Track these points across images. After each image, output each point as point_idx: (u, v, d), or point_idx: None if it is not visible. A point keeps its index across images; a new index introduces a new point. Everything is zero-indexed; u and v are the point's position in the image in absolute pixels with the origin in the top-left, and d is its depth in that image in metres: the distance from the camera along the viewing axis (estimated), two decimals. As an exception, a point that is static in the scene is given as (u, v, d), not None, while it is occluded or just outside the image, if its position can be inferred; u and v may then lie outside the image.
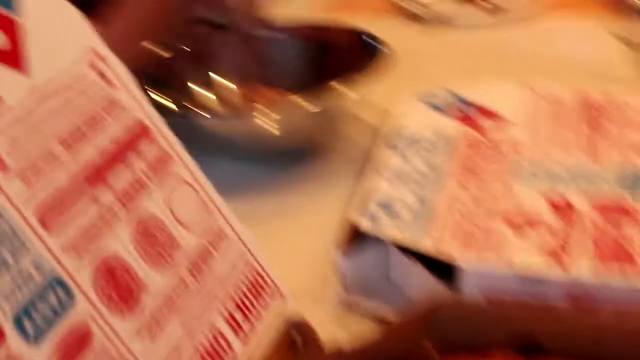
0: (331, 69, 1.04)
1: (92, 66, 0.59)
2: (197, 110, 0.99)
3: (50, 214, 0.50)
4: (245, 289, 0.62)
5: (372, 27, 1.28)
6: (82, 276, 0.50)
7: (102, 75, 0.60)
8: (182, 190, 0.61)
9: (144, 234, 0.56)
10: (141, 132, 0.60)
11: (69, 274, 0.49)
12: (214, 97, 1.06)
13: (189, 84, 1.06)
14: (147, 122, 0.61)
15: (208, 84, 1.07)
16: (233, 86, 1.07)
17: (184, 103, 1.01)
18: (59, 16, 0.59)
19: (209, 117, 0.94)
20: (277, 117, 0.93)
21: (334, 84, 0.95)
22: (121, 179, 0.57)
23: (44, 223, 0.49)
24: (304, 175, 0.96)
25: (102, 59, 0.60)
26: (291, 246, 0.81)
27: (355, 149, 0.98)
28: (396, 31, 1.33)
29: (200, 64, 1.06)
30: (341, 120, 1.02)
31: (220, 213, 0.64)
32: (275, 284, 0.65)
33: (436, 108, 0.88)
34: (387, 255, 0.68)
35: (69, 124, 0.55)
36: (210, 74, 1.07)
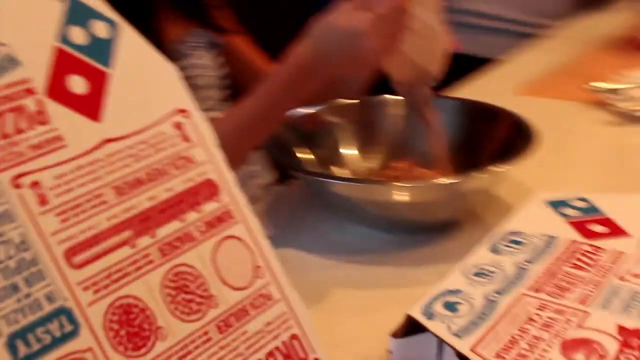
0: (479, 147, 1.05)
1: (173, 123, 0.65)
2: (333, 173, 1.03)
3: (78, 251, 0.56)
4: (277, 352, 0.65)
5: (558, 111, 1.29)
6: (93, 310, 0.55)
7: (181, 132, 0.65)
8: (234, 249, 0.65)
9: (176, 283, 0.60)
10: (207, 188, 0.65)
11: (79, 306, 0.55)
12: (361, 162, 1.10)
13: (339, 148, 1.10)
14: (216, 179, 0.66)
15: (360, 149, 1.11)
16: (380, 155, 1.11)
17: (328, 164, 1.06)
18: (151, 73, 0.65)
19: (343, 181, 0.98)
20: (411, 188, 0.96)
21: (478, 163, 0.97)
22: (169, 229, 0.61)
23: (68, 258, 0.55)
24: (427, 247, 0.97)
25: (187, 116, 0.66)
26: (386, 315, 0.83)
27: (483, 229, 0.98)
28: (578, 118, 1.32)
29: (356, 131, 1.11)
30: (478, 198, 1.03)
31: (273, 275, 0.67)
32: (312, 348, 0.67)
33: (559, 212, 0.86)
34: (438, 347, 0.69)
35: (129, 173, 0.61)
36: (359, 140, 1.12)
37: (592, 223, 0.84)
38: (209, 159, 0.66)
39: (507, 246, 0.80)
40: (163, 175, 0.63)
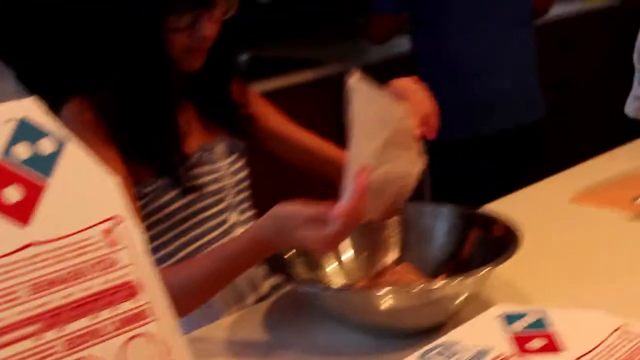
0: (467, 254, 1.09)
1: (103, 229, 0.73)
2: (327, 276, 1.10)
3: (-18, 339, 0.64)
4: None
5: (602, 220, 1.31)
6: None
7: (110, 237, 0.73)
8: (145, 346, 0.72)
9: (79, 374, 0.68)
10: (126, 289, 0.73)
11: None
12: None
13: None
14: (137, 281, 0.73)
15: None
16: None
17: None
18: (89, 183, 0.74)
19: (326, 289, 1.05)
20: (397, 294, 1.00)
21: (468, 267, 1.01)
22: (80, 325, 0.69)
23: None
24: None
25: (118, 223, 0.74)
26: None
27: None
28: (617, 229, 1.33)
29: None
30: (462, 304, 1.06)
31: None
32: None
33: (509, 325, 0.89)
34: None
35: (49, 273, 0.69)
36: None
37: (535, 338, 0.86)
38: (134, 262, 0.74)
39: (440, 354, 0.83)
40: (82, 276, 0.71)
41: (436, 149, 2.63)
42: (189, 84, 1.29)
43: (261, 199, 1.99)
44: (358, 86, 1.00)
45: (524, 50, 2.64)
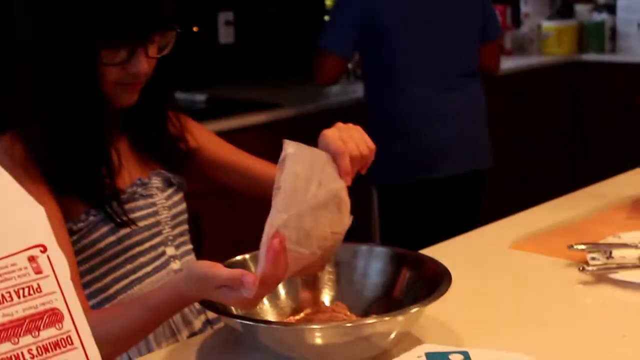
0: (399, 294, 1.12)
1: (28, 257, 0.74)
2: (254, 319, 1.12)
3: None
4: None
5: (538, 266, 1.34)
6: None
7: (35, 265, 0.74)
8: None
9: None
10: (50, 316, 0.74)
11: None
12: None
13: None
14: (61, 308, 0.74)
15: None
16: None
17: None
18: (15, 211, 0.75)
19: (259, 323, 1.07)
20: (330, 330, 1.02)
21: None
22: (1, 350, 0.70)
23: None
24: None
25: (44, 251, 0.75)
26: None
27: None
28: (549, 275, 1.36)
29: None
30: (393, 342, 1.07)
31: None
32: None
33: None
34: None
35: (-30, 296, 0.70)
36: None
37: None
38: (58, 289, 0.75)
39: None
40: (4, 302, 0.72)
41: (384, 192, 2.70)
42: (124, 117, 1.30)
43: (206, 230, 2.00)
44: (294, 152, 1.03)
45: (473, 102, 2.73)
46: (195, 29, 3.18)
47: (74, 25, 1.16)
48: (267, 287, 1.00)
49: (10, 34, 1.21)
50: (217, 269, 1.02)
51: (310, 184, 1.03)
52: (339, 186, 1.07)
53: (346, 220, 1.08)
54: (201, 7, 3.25)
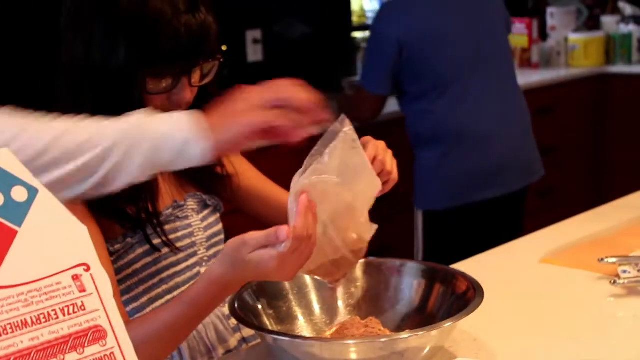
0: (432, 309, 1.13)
1: (72, 275, 0.76)
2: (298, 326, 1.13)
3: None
4: None
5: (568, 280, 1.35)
6: None
7: (79, 283, 0.76)
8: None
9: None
10: (94, 333, 0.76)
11: None
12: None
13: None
14: (105, 326, 0.76)
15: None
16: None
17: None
18: (59, 231, 0.77)
19: (296, 339, 1.08)
20: (365, 345, 1.04)
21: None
22: (46, 367, 0.72)
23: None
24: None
25: (87, 270, 0.77)
26: None
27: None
28: (581, 288, 1.37)
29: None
30: (427, 356, 1.09)
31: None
32: None
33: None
34: None
35: (16, 316, 0.72)
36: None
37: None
38: (102, 307, 0.77)
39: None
40: (50, 319, 0.74)
41: (430, 216, 2.61)
42: None
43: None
44: (348, 133, 1.05)
45: (519, 112, 2.64)
46: (224, 47, 3.21)
47: (123, 52, 1.18)
48: (300, 241, 1.01)
49: (56, 54, 1.22)
50: (249, 234, 1.04)
51: (347, 180, 1.05)
52: (372, 194, 1.09)
53: (369, 229, 1.10)
54: (229, 26, 3.28)
